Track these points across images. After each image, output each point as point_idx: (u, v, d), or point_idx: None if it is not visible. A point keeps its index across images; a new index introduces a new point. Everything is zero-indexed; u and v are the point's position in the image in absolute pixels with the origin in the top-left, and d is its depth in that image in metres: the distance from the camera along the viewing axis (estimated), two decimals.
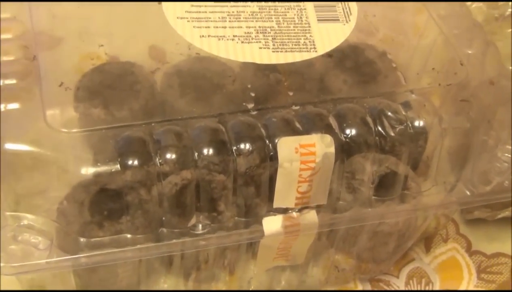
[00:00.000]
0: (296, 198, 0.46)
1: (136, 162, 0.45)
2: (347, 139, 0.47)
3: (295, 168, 0.45)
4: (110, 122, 0.47)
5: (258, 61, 0.49)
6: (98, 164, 0.47)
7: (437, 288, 0.58)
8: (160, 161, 0.45)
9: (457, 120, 0.49)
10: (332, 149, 0.45)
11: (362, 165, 0.50)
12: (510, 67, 0.61)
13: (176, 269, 0.52)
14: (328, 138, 0.45)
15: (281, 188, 0.46)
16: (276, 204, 0.47)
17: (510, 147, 0.50)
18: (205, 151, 0.45)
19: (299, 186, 0.46)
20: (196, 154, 0.45)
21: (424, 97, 0.49)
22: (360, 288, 0.58)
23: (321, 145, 0.45)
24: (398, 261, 0.59)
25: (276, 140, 0.45)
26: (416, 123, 0.48)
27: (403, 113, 0.48)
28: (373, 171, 0.48)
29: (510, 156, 0.50)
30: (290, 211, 0.47)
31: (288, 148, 0.45)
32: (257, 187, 0.48)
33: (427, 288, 0.58)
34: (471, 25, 0.55)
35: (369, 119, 0.47)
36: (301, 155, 0.45)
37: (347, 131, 0.47)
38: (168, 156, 0.45)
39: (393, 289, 0.58)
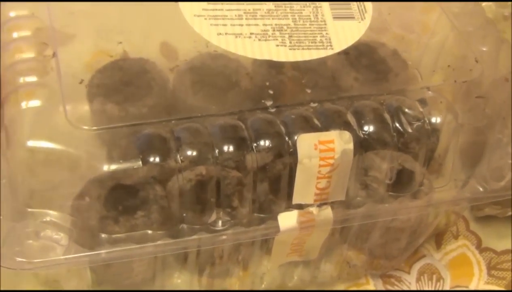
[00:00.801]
0: (315, 194, 0.47)
1: (155, 158, 0.45)
2: (365, 136, 0.47)
3: (314, 164, 0.45)
4: (124, 119, 0.47)
5: (275, 59, 0.50)
6: (114, 160, 0.48)
7: (448, 284, 0.59)
8: (179, 157, 0.45)
9: (472, 117, 0.50)
10: (350, 145, 0.46)
11: (378, 161, 0.50)
12: None
13: (191, 265, 0.52)
14: (347, 135, 0.46)
15: (300, 184, 0.46)
16: (295, 200, 0.47)
17: None
18: (225, 148, 0.46)
19: (318, 182, 0.46)
20: (216, 151, 0.46)
21: (439, 94, 0.50)
22: (371, 283, 0.58)
23: (340, 141, 0.45)
24: (409, 257, 0.59)
25: (295, 137, 0.46)
26: (433, 120, 0.48)
27: (420, 110, 0.48)
28: (390, 167, 0.49)
29: None
30: (308, 207, 0.47)
31: (307, 144, 0.45)
32: (275, 183, 0.48)
33: (438, 284, 0.59)
34: (484, 23, 0.55)
35: (387, 116, 0.48)
36: (320, 151, 0.45)
37: (365, 128, 0.47)
38: (186, 152, 0.46)
39: (404, 285, 0.58)
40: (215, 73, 0.50)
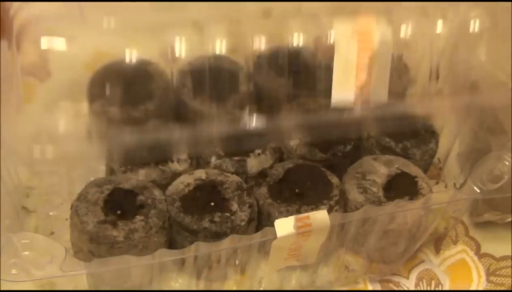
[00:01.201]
0: (355, 90, 0.45)
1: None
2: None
3: (353, 51, 0.44)
4: (125, 122, 0.47)
5: None
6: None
7: (446, 289, 0.58)
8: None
9: (468, 121, 0.50)
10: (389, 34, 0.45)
11: (373, 166, 0.50)
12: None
13: (189, 268, 0.52)
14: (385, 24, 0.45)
15: (339, 77, 0.45)
16: (336, 92, 0.46)
17: None
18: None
19: (358, 74, 0.45)
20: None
21: (436, 101, 0.50)
22: (370, 288, 0.58)
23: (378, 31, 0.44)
24: (408, 262, 0.59)
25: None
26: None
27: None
28: (384, 172, 0.49)
29: None
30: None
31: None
32: (270, 186, 0.49)
33: (436, 290, 0.59)
34: (481, 31, 0.55)
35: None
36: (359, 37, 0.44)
37: None
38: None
39: (403, 290, 0.58)
40: (216, 76, 0.50)
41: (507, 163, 0.49)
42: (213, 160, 0.49)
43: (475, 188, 0.49)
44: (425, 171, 0.56)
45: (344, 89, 0.45)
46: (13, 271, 0.42)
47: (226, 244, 0.46)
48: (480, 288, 0.59)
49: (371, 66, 0.44)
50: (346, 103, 0.46)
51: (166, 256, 0.45)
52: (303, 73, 0.50)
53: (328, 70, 0.45)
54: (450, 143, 0.50)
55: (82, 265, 0.43)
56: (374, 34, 0.44)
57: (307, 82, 0.50)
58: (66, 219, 0.50)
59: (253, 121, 0.47)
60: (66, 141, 0.45)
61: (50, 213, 0.51)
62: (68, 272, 0.43)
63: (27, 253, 0.43)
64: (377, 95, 0.46)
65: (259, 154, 0.49)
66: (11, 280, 0.42)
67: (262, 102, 0.48)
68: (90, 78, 0.49)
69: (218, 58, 0.51)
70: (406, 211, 0.49)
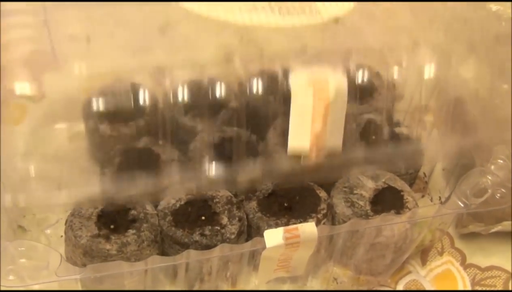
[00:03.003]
0: (311, 138, 0.47)
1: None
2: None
3: (309, 102, 0.45)
4: (116, 138, 0.48)
5: (265, 25, 0.49)
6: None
7: None
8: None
9: (452, 136, 0.51)
10: (345, 84, 0.46)
11: (361, 180, 0.51)
12: (505, 86, 0.62)
13: (180, 281, 0.53)
14: (341, 73, 0.46)
15: (295, 125, 0.46)
16: (291, 144, 0.47)
17: (502, 161, 0.51)
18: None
19: (314, 123, 0.46)
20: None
21: (420, 114, 0.51)
22: None
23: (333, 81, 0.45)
24: (395, 273, 0.60)
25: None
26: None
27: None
28: (371, 186, 0.50)
29: (502, 169, 0.51)
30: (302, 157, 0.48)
31: (301, 81, 0.46)
32: (259, 200, 0.50)
33: None
34: (466, 44, 0.56)
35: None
36: (315, 88, 0.45)
37: None
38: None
39: None
40: (204, 94, 0.51)
41: (490, 178, 0.50)
42: (203, 174, 0.50)
43: (459, 202, 0.50)
44: (411, 184, 0.57)
45: (300, 138, 0.46)
46: (10, 277, 0.43)
47: (216, 252, 0.47)
48: None
49: (326, 115, 0.45)
50: (302, 151, 0.47)
51: (158, 262, 0.46)
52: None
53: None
54: (435, 157, 0.51)
55: (77, 270, 0.44)
56: (330, 83, 0.45)
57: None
58: (61, 236, 0.51)
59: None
60: (59, 158, 0.46)
61: (46, 231, 0.52)
62: (63, 277, 0.44)
63: (23, 260, 0.44)
64: (332, 143, 0.48)
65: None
66: (8, 286, 0.43)
67: None
68: (85, 100, 0.49)
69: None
70: (392, 225, 0.50)
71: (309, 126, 0.46)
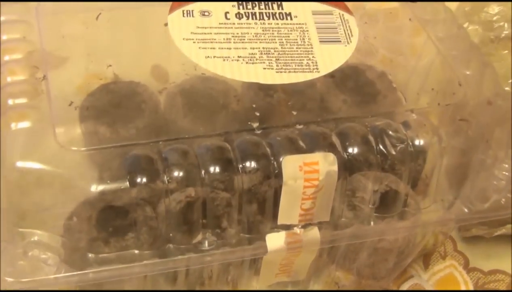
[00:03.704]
0: (299, 214, 0.47)
1: (143, 180, 0.46)
2: (350, 158, 0.48)
3: (299, 186, 0.46)
4: (115, 141, 0.48)
5: (262, 81, 0.50)
6: (105, 181, 0.48)
7: None
8: (167, 179, 0.46)
9: (455, 139, 0.50)
10: (335, 167, 0.46)
11: (363, 183, 0.51)
12: (507, 88, 0.62)
13: (180, 285, 0.53)
14: (331, 156, 0.47)
15: (285, 205, 0.47)
16: (281, 220, 0.48)
17: (507, 165, 0.51)
18: (211, 169, 0.46)
19: (303, 203, 0.47)
20: (203, 172, 0.46)
21: (423, 117, 0.50)
22: None
23: (324, 163, 0.46)
24: (397, 277, 0.60)
25: (281, 159, 0.46)
26: (416, 142, 0.49)
27: (404, 132, 0.49)
28: (374, 188, 0.49)
29: (507, 174, 0.51)
30: (293, 228, 0.48)
31: (292, 165, 0.46)
32: (261, 204, 0.49)
33: None
34: (469, 47, 0.56)
35: (371, 138, 0.48)
36: (305, 173, 0.46)
37: (350, 149, 0.48)
38: (175, 174, 0.46)
39: None
40: (204, 96, 0.51)
41: (495, 182, 0.50)
42: (207, 177, 0.50)
43: (464, 208, 0.50)
44: (414, 186, 0.56)
45: (289, 217, 0.48)
46: (8, 279, 0.43)
47: (217, 256, 0.46)
48: None
49: (315, 196, 0.47)
50: (290, 226, 0.48)
51: (158, 266, 0.46)
52: None
53: None
54: (438, 159, 0.50)
55: (76, 274, 0.44)
56: (320, 167, 0.46)
57: None
58: (60, 238, 0.50)
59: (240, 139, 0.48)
60: (56, 161, 0.46)
61: (45, 234, 0.51)
62: (61, 280, 0.44)
63: (22, 262, 0.44)
64: (320, 218, 0.49)
65: (252, 171, 0.49)
66: (7, 288, 0.43)
67: None
68: (81, 101, 0.49)
69: (205, 78, 0.52)
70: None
71: (298, 207, 0.47)
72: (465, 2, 0.71)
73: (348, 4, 0.57)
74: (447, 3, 0.60)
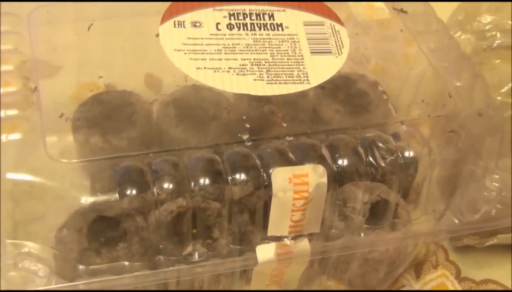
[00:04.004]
0: (289, 226, 0.47)
1: (134, 191, 0.46)
2: (339, 170, 0.48)
3: (289, 198, 0.46)
4: (107, 151, 0.48)
5: (252, 93, 0.50)
6: (96, 192, 0.48)
7: None
8: (157, 190, 0.46)
9: (446, 151, 0.51)
10: (324, 179, 0.46)
11: (354, 192, 0.51)
12: (499, 98, 0.62)
13: None
14: (321, 168, 0.47)
15: (275, 217, 0.47)
16: (270, 232, 0.48)
17: (497, 176, 0.51)
18: (201, 180, 0.46)
19: (293, 215, 0.47)
20: (192, 183, 0.46)
21: (414, 128, 0.51)
22: None
23: (314, 175, 0.46)
24: (389, 287, 0.60)
25: (270, 171, 0.46)
26: (406, 154, 0.49)
27: (394, 144, 0.49)
28: (364, 199, 0.49)
29: (497, 184, 0.51)
30: (283, 239, 0.48)
31: (282, 178, 0.46)
32: (251, 215, 0.49)
33: None
34: (460, 58, 0.56)
35: (361, 150, 0.49)
36: (295, 184, 0.46)
37: (339, 161, 0.48)
38: (165, 185, 0.46)
39: None
40: (195, 106, 0.51)
41: (485, 194, 0.50)
42: (197, 188, 0.50)
43: (454, 219, 0.50)
44: (405, 196, 0.57)
45: (279, 228, 0.48)
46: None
47: (208, 267, 0.47)
48: None
49: (305, 208, 0.47)
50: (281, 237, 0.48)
51: (149, 277, 0.46)
52: None
53: None
54: (428, 170, 0.50)
55: (67, 285, 0.45)
56: (310, 180, 0.46)
57: None
58: (51, 248, 0.50)
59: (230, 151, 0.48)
60: (47, 173, 0.46)
61: (36, 245, 0.51)
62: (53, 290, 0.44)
63: (13, 273, 0.44)
64: (310, 229, 0.49)
65: (241, 183, 0.50)
66: None
67: None
68: (73, 111, 0.49)
69: (197, 89, 0.52)
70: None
71: (288, 220, 0.47)
72: (458, 10, 0.71)
73: (340, 15, 0.57)
74: (439, 14, 0.60)
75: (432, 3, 0.60)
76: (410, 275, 0.61)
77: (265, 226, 0.48)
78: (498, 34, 0.66)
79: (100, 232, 0.48)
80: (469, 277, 0.62)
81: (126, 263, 0.47)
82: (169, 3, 0.55)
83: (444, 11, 0.63)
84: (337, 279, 0.56)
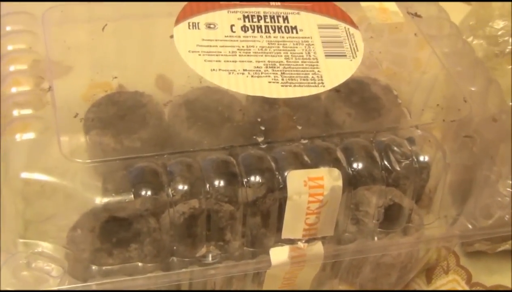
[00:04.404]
0: (304, 229, 0.47)
1: (149, 192, 0.46)
2: (354, 173, 0.48)
3: (304, 200, 0.46)
4: (120, 152, 0.48)
5: (267, 95, 0.50)
6: (110, 193, 0.48)
7: None
8: (172, 191, 0.46)
9: (460, 156, 0.51)
10: (339, 182, 0.46)
11: (367, 197, 0.51)
12: (511, 104, 0.62)
13: None
14: (336, 172, 0.47)
15: (289, 220, 0.47)
16: (284, 235, 0.48)
17: (511, 182, 0.51)
18: (216, 182, 0.46)
19: (307, 218, 0.47)
20: (207, 185, 0.46)
21: (428, 133, 0.50)
22: None
23: (329, 178, 0.46)
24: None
25: (286, 174, 0.46)
26: (421, 158, 0.49)
27: (409, 148, 0.49)
28: (378, 203, 0.49)
29: (511, 190, 0.51)
30: (297, 242, 0.48)
31: (297, 180, 0.46)
32: (265, 218, 0.49)
33: None
34: (474, 62, 0.56)
35: (376, 154, 0.48)
36: (310, 187, 0.46)
37: (354, 165, 0.48)
38: (180, 186, 0.46)
39: None
40: (208, 108, 0.51)
41: (499, 199, 0.50)
42: (212, 190, 0.50)
43: (467, 224, 0.50)
44: (417, 201, 0.56)
45: (293, 231, 0.48)
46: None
47: (221, 269, 0.47)
48: None
49: (320, 211, 0.47)
50: (294, 240, 0.48)
51: (161, 279, 0.46)
52: None
53: None
54: (442, 175, 0.50)
55: (79, 285, 0.44)
56: (325, 183, 0.46)
57: None
58: (64, 248, 0.50)
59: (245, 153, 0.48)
60: (60, 172, 0.46)
61: (48, 244, 0.51)
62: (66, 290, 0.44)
63: (25, 273, 0.44)
64: (324, 233, 0.49)
65: (256, 185, 0.50)
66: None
67: None
68: (85, 111, 0.49)
69: (210, 90, 0.52)
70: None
71: (302, 223, 0.47)
72: (470, 15, 0.71)
73: (353, 18, 0.57)
74: (452, 17, 0.60)
75: (444, 7, 0.60)
76: (421, 280, 0.61)
77: (278, 229, 0.48)
78: (511, 40, 0.66)
79: (113, 232, 0.48)
80: (480, 283, 0.62)
81: (140, 264, 0.47)
82: (183, 4, 0.55)
83: (456, 16, 0.63)
84: (348, 283, 0.56)
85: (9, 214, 0.45)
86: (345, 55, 0.54)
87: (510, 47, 0.66)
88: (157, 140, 0.50)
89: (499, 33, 0.67)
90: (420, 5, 0.59)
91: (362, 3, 0.58)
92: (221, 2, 0.56)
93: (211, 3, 0.56)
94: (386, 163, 0.48)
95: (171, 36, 0.53)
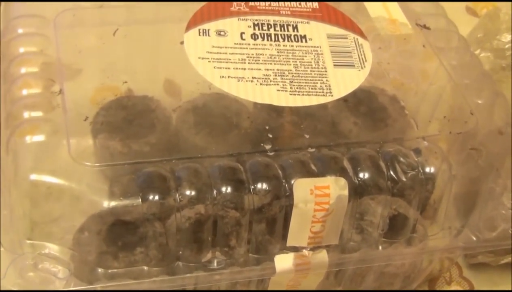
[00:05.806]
0: (309, 237, 0.48)
1: (156, 196, 0.46)
2: (360, 183, 0.48)
3: (310, 209, 0.46)
4: (127, 156, 0.48)
5: (275, 103, 0.51)
6: (117, 196, 0.48)
7: None
8: (179, 196, 0.46)
9: (466, 168, 0.51)
10: (346, 192, 0.47)
11: (372, 207, 0.51)
12: None
13: None
14: (342, 181, 0.47)
15: (295, 227, 0.47)
16: (290, 242, 0.48)
17: None
18: (223, 189, 0.47)
19: (313, 226, 0.47)
20: (214, 191, 0.46)
21: (434, 144, 0.51)
22: None
23: (335, 187, 0.46)
24: None
25: (292, 182, 0.47)
26: (427, 169, 0.49)
27: (415, 159, 0.49)
28: (383, 213, 0.49)
29: None
30: (302, 250, 0.48)
31: (303, 189, 0.46)
32: (271, 225, 0.49)
33: None
34: (481, 75, 0.56)
35: (382, 164, 0.49)
36: (316, 196, 0.46)
37: (361, 175, 0.48)
38: (187, 191, 0.47)
39: None
40: (216, 114, 0.51)
41: (503, 212, 0.50)
42: (219, 196, 0.50)
43: (472, 236, 0.50)
44: (422, 211, 0.57)
45: (298, 239, 0.48)
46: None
47: (225, 275, 0.47)
48: None
49: (325, 220, 0.47)
50: (299, 248, 0.49)
51: (167, 283, 0.46)
52: None
53: None
54: (448, 186, 0.50)
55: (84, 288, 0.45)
56: (331, 192, 0.47)
57: None
58: (69, 251, 0.50)
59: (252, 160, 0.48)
60: (69, 175, 0.46)
61: (54, 246, 0.51)
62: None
63: (31, 274, 0.44)
64: (329, 241, 0.49)
65: (263, 193, 0.50)
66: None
67: None
68: (94, 115, 0.49)
69: (218, 97, 0.52)
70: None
71: (308, 231, 0.48)
72: (477, 28, 0.71)
73: (362, 27, 0.57)
74: (460, 30, 0.61)
75: (452, 20, 0.61)
76: (423, 290, 0.61)
77: (283, 236, 0.48)
78: None
79: (119, 236, 0.48)
80: None
81: (145, 267, 0.47)
82: (194, 10, 0.56)
83: (463, 28, 0.63)
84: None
85: (16, 215, 0.46)
86: (354, 65, 0.54)
87: None
88: (165, 145, 0.50)
89: (506, 46, 0.67)
90: (429, 17, 0.59)
91: (372, 14, 0.59)
92: (232, 10, 0.56)
93: (221, 10, 0.56)
94: (392, 173, 0.49)
95: (182, 42, 0.54)
